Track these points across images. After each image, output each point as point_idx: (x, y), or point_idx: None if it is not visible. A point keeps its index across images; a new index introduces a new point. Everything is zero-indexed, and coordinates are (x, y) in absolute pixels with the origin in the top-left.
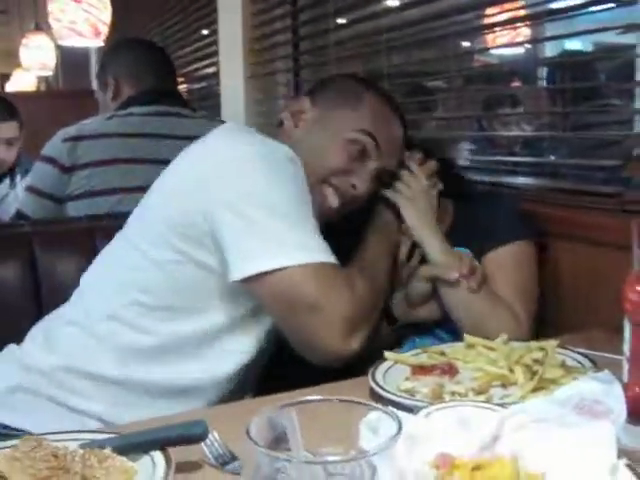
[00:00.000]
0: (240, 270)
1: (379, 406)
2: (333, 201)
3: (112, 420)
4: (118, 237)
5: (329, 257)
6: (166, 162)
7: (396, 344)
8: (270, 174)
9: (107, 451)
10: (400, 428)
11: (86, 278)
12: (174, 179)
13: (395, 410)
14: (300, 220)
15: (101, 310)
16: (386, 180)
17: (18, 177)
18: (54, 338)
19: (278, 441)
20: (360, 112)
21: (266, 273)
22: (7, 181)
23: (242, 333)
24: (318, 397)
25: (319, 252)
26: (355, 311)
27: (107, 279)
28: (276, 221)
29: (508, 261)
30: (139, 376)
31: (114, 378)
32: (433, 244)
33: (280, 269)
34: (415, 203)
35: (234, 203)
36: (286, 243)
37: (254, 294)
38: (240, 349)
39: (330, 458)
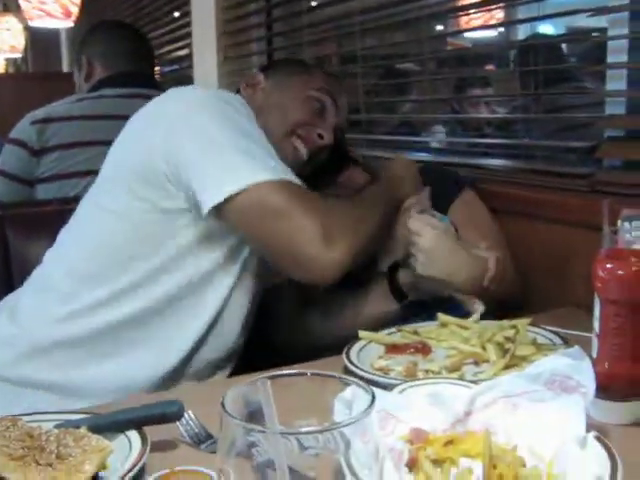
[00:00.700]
0: (209, 200)
1: (353, 379)
2: (302, 150)
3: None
4: (75, 214)
5: (293, 178)
6: None
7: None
8: (221, 111)
9: (82, 430)
10: (373, 400)
11: (47, 255)
12: (132, 134)
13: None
14: (258, 146)
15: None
16: (339, 137)
17: None
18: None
19: (252, 416)
20: (315, 76)
21: (234, 196)
22: None
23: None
24: (293, 370)
25: (283, 172)
26: (328, 217)
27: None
28: (235, 150)
29: (469, 207)
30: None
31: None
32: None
33: (246, 189)
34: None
35: (191, 141)
36: (248, 166)
37: (228, 223)
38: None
39: (304, 429)
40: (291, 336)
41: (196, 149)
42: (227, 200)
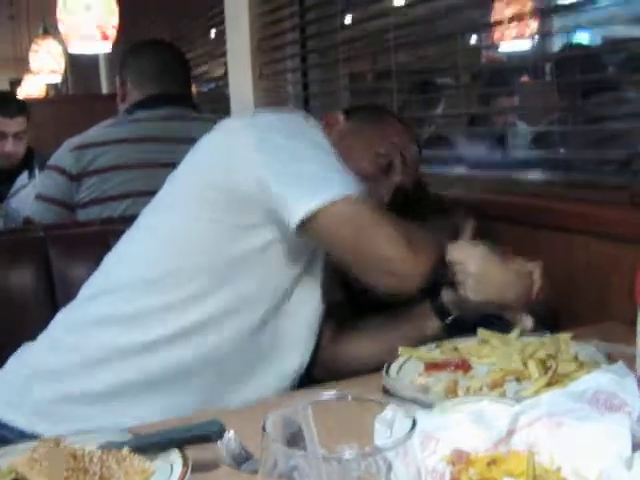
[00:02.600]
0: (296, 215)
1: (393, 403)
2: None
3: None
4: (125, 240)
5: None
6: (173, 165)
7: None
8: (297, 127)
9: (125, 451)
10: (415, 424)
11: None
12: (203, 156)
13: (409, 407)
14: (336, 161)
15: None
16: (400, 199)
17: (36, 170)
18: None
19: (294, 439)
20: (388, 130)
21: (322, 209)
22: (26, 174)
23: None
24: (332, 395)
25: (359, 187)
26: (408, 231)
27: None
28: (316, 164)
29: None
30: None
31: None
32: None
33: (333, 201)
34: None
35: (274, 159)
36: (332, 180)
37: (313, 236)
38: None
39: (346, 454)
40: (332, 361)
41: (279, 165)
42: (314, 214)
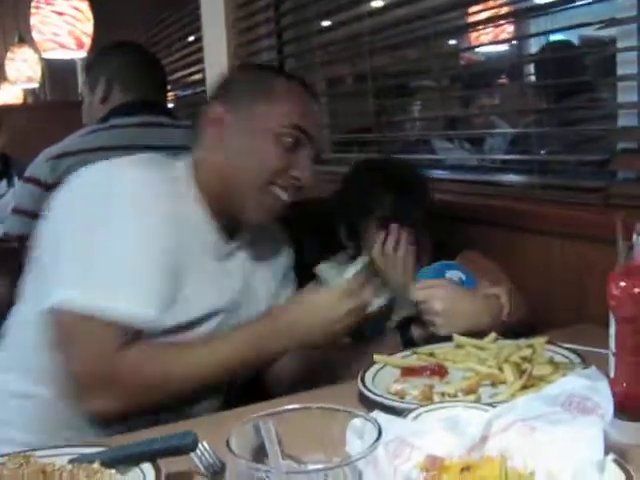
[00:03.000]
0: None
1: (359, 412)
2: (284, 197)
3: None
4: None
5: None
6: None
7: None
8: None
9: (96, 465)
10: (380, 434)
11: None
12: None
13: (376, 416)
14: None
15: None
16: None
17: (15, 178)
18: None
19: (261, 450)
20: (278, 104)
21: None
22: (4, 182)
23: None
24: (297, 406)
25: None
26: (105, 366)
27: None
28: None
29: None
30: None
31: None
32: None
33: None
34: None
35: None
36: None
37: None
38: None
39: (310, 467)
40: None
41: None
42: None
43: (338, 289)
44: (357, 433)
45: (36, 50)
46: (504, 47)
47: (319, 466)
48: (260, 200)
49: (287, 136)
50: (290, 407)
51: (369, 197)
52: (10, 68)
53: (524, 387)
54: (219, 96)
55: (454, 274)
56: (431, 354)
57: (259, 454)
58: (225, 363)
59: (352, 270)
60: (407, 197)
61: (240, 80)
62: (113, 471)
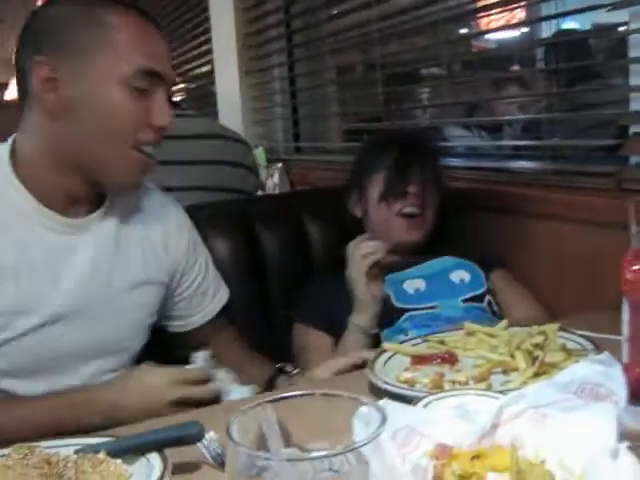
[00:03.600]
0: None
1: (363, 399)
2: (150, 150)
3: None
4: None
5: None
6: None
7: None
8: None
9: (101, 455)
10: (384, 420)
11: None
12: None
13: (385, 404)
14: None
15: None
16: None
17: None
18: None
19: (264, 439)
20: (118, 46)
21: None
22: None
23: None
24: (300, 392)
25: None
26: None
27: None
28: None
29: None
30: None
31: None
32: None
33: None
34: None
35: None
36: None
37: None
38: None
39: (313, 454)
40: None
41: None
42: None
43: (170, 374)
44: (364, 421)
45: None
46: (514, 33)
47: (322, 453)
48: (124, 163)
49: (136, 82)
50: (293, 393)
51: (373, 155)
52: None
53: (536, 374)
54: (37, 48)
55: (459, 274)
56: (441, 342)
57: (261, 443)
58: (44, 427)
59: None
60: (412, 154)
61: (61, 20)
62: (119, 461)
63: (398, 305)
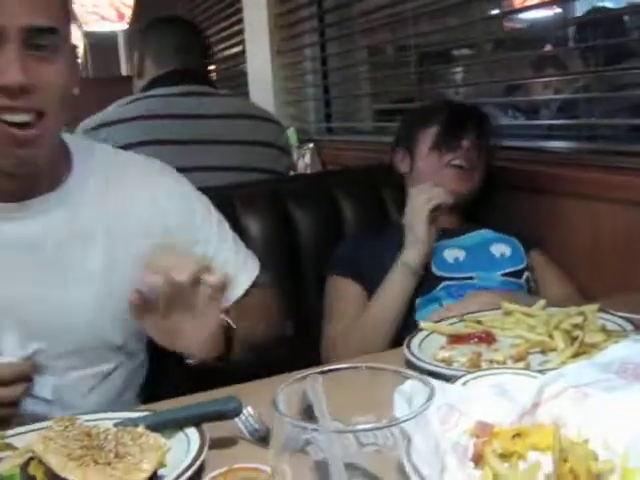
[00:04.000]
0: None
1: (409, 372)
2: (17, 119)
3: None
4: None
5: None
6: (189, 142)
7: None
8: None
9: (140, 429)
10: (432, 394)
11: None
12: None
13: (428, 377)
14: None
15: None
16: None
17: None
18: None
19: (308, 411)
20: None
21: None
22: None
23: None
24: (345, 365)
25: None
26: None
27: None
28: None
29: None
30: None
31: None
32: None
33: None
34: None
35: None
36: None
37: None
38: None
39: (360, 426)
40: None
41: None
42: None
43: None
44: (405, 398)
45: (79, 26)
46: (547, 12)
47: (369, 425)
48: None
49: None
50: (337, 366)
51: (426, 112)
52: None
53: (575, 354)
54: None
55: (499, 247)
56: (479, 322)
57: (306, 415)
58: None
59: None
60: (465, 114)
61: None
62: (158, 435)
63: (436, 273)
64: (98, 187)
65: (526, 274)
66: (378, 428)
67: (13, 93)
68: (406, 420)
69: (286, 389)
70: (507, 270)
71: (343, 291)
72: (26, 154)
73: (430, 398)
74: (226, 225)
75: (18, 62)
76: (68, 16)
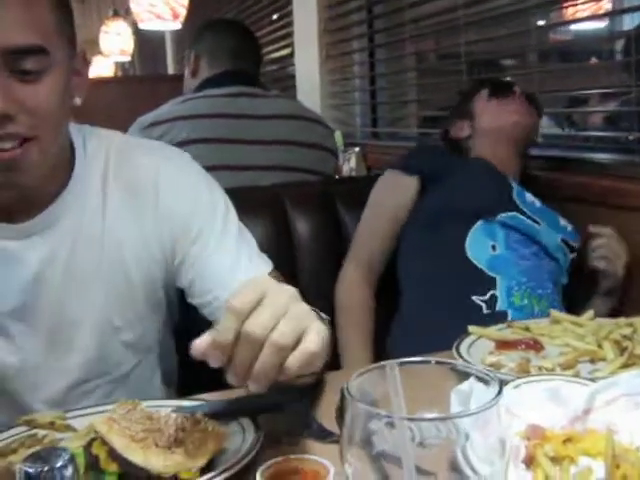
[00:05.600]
0: None
1: (477, 368)
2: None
3: None
4: None
5: None
6: (240, 141)
7: None
8: None
9: (199, 415)
10: (500, 392)
11: None
12: None
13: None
14: None
15: None
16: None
17: None
18: None
19: (373, 404)
20: None
21: None
22: None
23: None
24: (415, 359)
25: None
26: None
27: None
28: None
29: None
30: None
31: None
32: None
33: None
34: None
35: None
36: None
37: None
38: None
39: (428, 416)
40: None
41: None
42: None
43: None
44: (462, 398)
45: (130, 24)
46: (597, 25)
47: (435, 415)
48: None
49: None
50: (407, 360)
51: (472, 86)
52: (104, 41)
53: (625, 365)
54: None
55: (565, 221)
56: (527, 328)
57: (377, 405)
58: None
59: None
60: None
61: None
62: (216, 422)
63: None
64: (97, 199)
65: (573, 256)
66: (446, 418)
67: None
68: (473, 414)
69: (356, 379)
70: (566, 238)
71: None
72: (5, 178)
73: (497, 395)
74: (232, 227)
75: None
76: (65, 35)
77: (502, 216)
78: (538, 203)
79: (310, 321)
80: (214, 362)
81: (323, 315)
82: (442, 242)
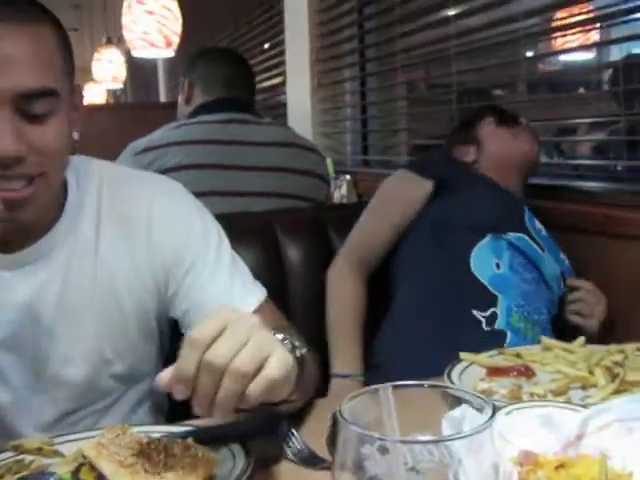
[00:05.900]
0: None
1: (469, 392)
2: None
3: None
4: None
5: None
6: (232, 167)
7: None
8: None
9: (189, 441)
10: (493, 415)
11: None
12: None
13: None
14: None
15: None
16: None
17: None
18: None
19: (366, 428)
20: None
21: None
22: None
23: None
24: (410, 382)
25: None
26: None
27: None
28: None
29: None
30: None
31: None
32: None
33: None
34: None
35: None
36: None
37: None
38: None
39: (421, 438)
40: None
41: None
42: None
43: None
44: (454, 424)
45: (123, 51)
46: (584, 56)
47: (429, 438)
48: None
49: None
50: (404, 383)
51: (475, 112)
52: (97, 68)
53: (616, 392)
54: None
55: (563, 256)
56: (518, 355)
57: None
58: None
59: None
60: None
61: None
62: (206, 448)
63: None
64: (90, 232)
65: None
66: (439, 441)
67: (7, 164)
68: (466, 437)
69: (349, 403)
70: (564, 271)
71: (400, 192)
72: (10, 217)
73: (491, 418)
74: (226, 256)
75: (11, 131)
76: (68, 72)
77: (511, 235)
78: (544, 232)
79: (272, 348)
80: (178, 395)
81: (302, 347)
82: (447, 251)
